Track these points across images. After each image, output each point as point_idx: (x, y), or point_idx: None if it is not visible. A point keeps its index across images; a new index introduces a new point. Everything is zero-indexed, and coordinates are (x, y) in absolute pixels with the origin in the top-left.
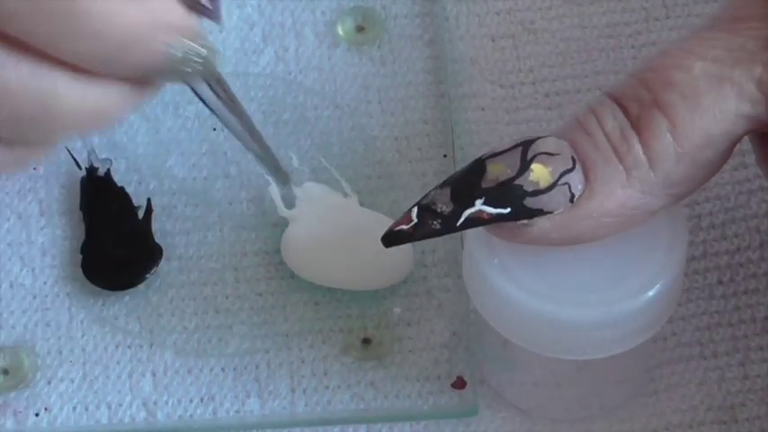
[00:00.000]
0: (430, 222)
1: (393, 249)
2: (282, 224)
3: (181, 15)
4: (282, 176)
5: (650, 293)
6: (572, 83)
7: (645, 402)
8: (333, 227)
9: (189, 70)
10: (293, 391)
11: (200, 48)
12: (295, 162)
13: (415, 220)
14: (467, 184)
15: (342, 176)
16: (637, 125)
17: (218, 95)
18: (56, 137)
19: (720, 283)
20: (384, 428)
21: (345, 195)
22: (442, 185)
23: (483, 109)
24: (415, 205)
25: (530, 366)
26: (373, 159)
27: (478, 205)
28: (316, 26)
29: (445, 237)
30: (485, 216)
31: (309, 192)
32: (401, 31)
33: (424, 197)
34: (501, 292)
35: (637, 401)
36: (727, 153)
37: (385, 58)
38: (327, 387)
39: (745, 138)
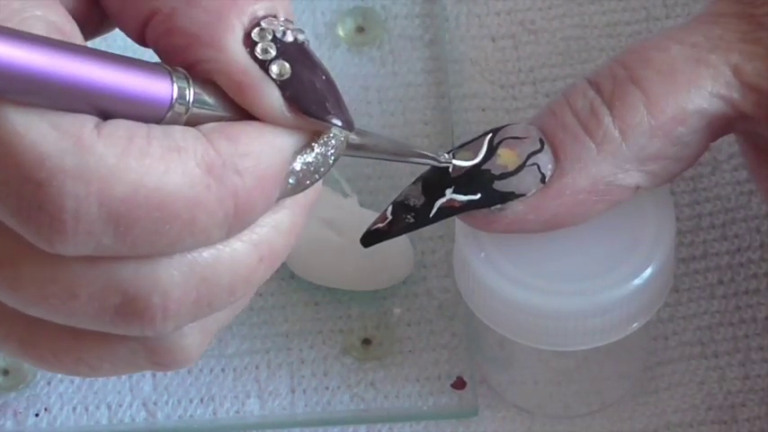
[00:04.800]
0: (404, 217)
1: (393, 250)
2: None
3: None
4: (433, 158)
5: (638, 280)
6: (572, 83)
7: (645, 401)
8: (333, 227)
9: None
10: (293, 391)
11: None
12: None
13: (390, 217)
14: (437, 176)
15: (342, 176)
16: (610, 100)
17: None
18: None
19: (721, 283)
20: (384, 429)
21: (345, 195)
22: (415, 181)
23: (483, 109)
24: (390, 204)
25: (528, 364)
26: (373, 160)
27: (449, 194)
28: (316, 27)
29: (445, 237)
30: (456, 204)
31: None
32: (401, 31)
33: (398, 195)
34: (488, 285)
35: (637, 400)
36: (703, 137)
37: (385, 58)
38: (327, 387)
39: None
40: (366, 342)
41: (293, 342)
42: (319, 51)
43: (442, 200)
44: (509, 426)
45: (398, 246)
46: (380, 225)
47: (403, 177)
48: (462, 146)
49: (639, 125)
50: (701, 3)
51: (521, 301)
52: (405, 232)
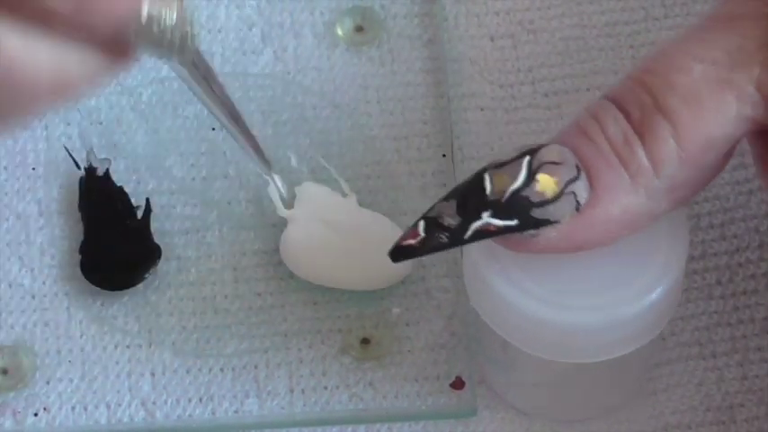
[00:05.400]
0: (437, 236)
1: None
2: (281, 224)
3: None
4: (265, 164)
5: (651, 297)
6: (571, 82)
7: (643, 403)
8: (332, 227)
9: (159, 35)
10: (292, 391)
11: (171, 11)
12: (294, 162)
13: (423, 234)
14: (473, 196)
15: (341, 176)
16: (639, 130)
17: (193, 73)
18: (19, 109)
19: (719, 283)
20: (383, 429)
21: (344, 195)
22: (448, 197)
23: (482, 109)
24: (421, 218)
25: (529, 367)
26: (372, 159)
27: (485, 218)
28: (315, 26)
29: None
30: (492, 228)
31: (308, 192)
32: (400, 31)
33: (429, 210)
34: (503, 297)
35: (635, 402)
36: (728, 155)
37: (384, 58)
38: (326, 387)
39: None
40: (365, 342)
41: (292, 342)
42: (318, 51)
43: (479, 223)
44: (508, 426)
45: None
46: (412, 241)
47: (402, 177)
48: (499, 166)
49: (669, 158)
50: (700, 3)
51: (534, 314)
52: (437, 251)
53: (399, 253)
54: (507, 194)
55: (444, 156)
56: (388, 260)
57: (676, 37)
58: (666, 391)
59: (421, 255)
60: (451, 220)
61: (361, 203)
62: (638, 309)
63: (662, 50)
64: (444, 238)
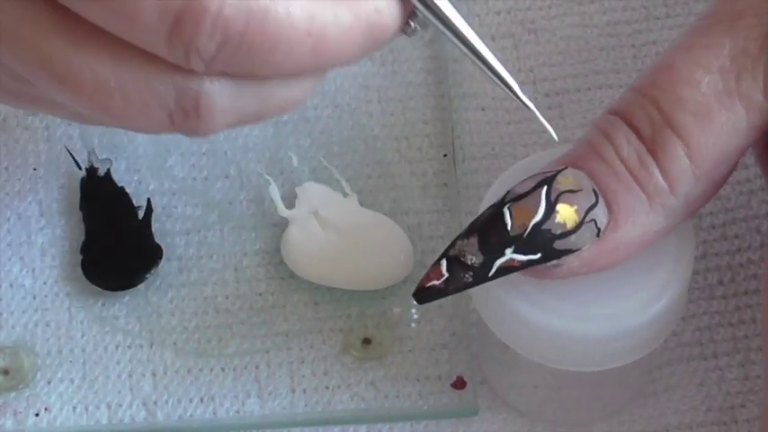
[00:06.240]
0: (462, 275)
1: (393, 248)
2: (282, 224)
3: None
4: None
5: (656, 307)
6: (572, 82)
7: (644, 404)
8: (333, 227)
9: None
10: (293, 391)
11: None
12: (295, 162)
13: (446, 275)
14: (494, 232)
15: (342, 176)
16: (652, 149)
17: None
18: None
19: (721, 283)
20: (384, 428)
21: (345, 195)
22: (468, 234)
23: (483, 109)
24: (442, 257)
25: (531, 369)
26: (373, 159)
27: (509, 254)
28: None
29: (445, 237)
30: (516, 264)
31: (309, 191)
32: None
33: (450, 247)
34: (509, 306)
35: (636, 402)
36: (735, 164)
37: (385, 57)
38: (327, 387)
39: None
40: (366, 341)
41: (293, 342)
42: None
43: (502, 260)
44: (509, 427)
45: (398, 246)
46: (436, 282)
47: (403, 177)
48: (516, 199)
49: (684, 176)
50: (701, 2)
51: (541, 323)
52: (462, 290)
53: (424, 294)
54: (529, 229)
55: (445, 155)
56: (389, 260)
57: (679, 42)
58: (668, 392)
59: (446, 295)
60: (474, 258)
61: (362, 203)
62: (645, 319)
63: (667, 61)
64: (469, 277)
